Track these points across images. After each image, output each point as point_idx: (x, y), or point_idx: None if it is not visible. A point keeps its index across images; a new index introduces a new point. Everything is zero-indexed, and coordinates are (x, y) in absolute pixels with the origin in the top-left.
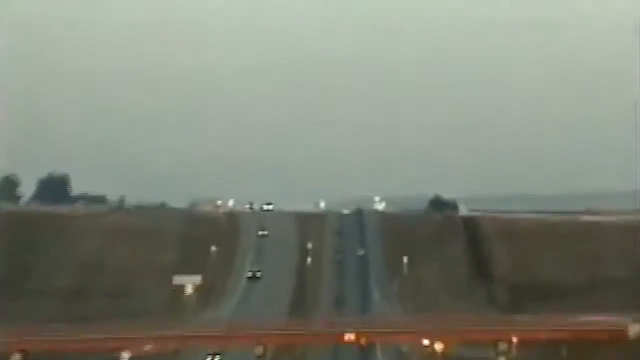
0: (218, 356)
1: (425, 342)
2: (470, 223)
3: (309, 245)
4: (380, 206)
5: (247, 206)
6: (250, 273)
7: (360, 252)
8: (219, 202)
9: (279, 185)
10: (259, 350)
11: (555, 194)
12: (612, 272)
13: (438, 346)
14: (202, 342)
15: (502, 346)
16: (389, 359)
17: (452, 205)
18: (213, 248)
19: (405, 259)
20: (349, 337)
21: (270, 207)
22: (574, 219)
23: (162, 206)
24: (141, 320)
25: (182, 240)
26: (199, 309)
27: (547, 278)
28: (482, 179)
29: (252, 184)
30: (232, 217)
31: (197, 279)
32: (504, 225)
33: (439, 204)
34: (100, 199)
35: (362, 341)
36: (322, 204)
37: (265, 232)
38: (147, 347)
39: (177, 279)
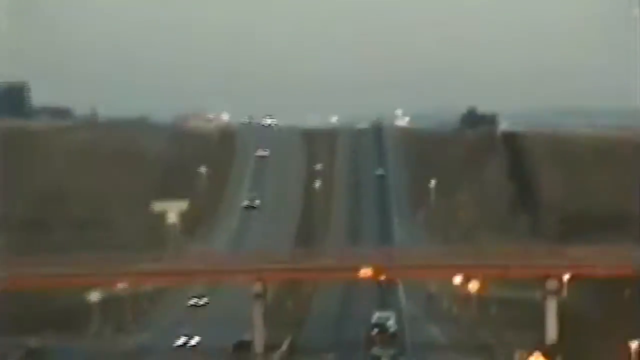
0: (204, 298)
1: (457, 280)
2: (512, 140)
3: (318, 167)
4: (403, 121)
5: (245, 120)
6: (247, 201)
7: (380, 172)
8: (211, 115)
9: (284, 99)
10: (257, 288)
11: (612, 107)
12: None
13: (473, 285)
14: (187, 278)
15: (552, 284)
16: (413, 301)
17: (490, 120)
18: (202, 169)
19: (432, 183)
20: (365, 272)
21: (273, 121)
22: (637, 134)
23: (142, 121)
24: (113, 254)
25: (164, 160)
26: (184, 241)
27: (605, 205)
28: (523, 92)
29: (252, 97)
30: (226, 133)
31: (182, 204)
32: (553, 142)
33: (474, 118)
34: (65, 112)
35: (381, 277)
36: (335, 119)
37: (266, 152)
38: (121, 285)
39: (159, 205)
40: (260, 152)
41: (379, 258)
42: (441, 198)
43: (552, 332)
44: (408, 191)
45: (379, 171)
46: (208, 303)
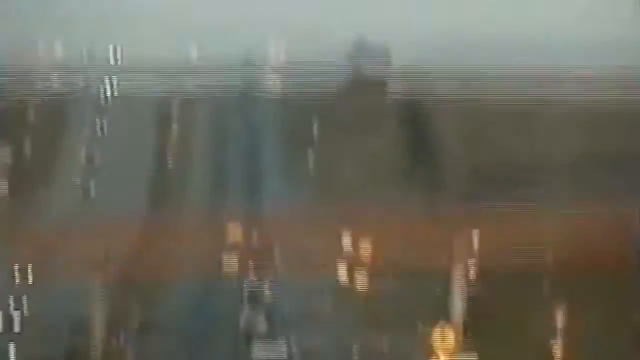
0: None
1: (347, 246)
2: (411, 106)
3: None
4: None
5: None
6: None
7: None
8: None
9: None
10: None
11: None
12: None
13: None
14: None
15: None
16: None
17: (383, 54)
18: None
19: (314, 131)
20: (234, 231)
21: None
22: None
23: None
24: None
25: None
26: None
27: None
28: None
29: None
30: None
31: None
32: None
33: (361, 51)
34: None
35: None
36: (195, 53)
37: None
38: None
39: None
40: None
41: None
42: (323, 151)
43: (457, 309)
44: (284, 164)
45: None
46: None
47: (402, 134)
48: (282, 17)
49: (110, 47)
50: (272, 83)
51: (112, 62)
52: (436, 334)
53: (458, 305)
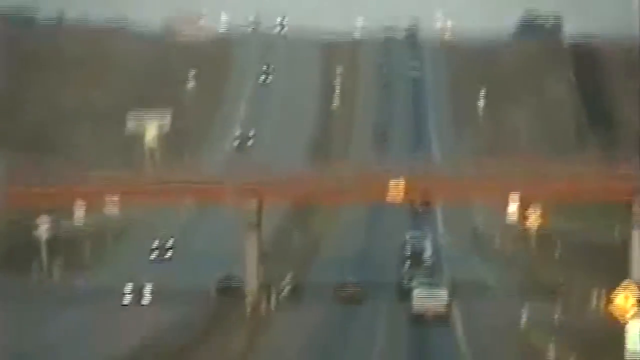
0: (170, 240)
1: (513, 206)
2: (582, 51)
3: (337, 82)
4: (445, 25)
5: (249, 24)
6: (239, 132)
7: (415, 73)
8: (202, 18)
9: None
10: (250, 207)
11: None
12: None
13: (532, 215)
14: (167, 196)
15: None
16: (457, 232)
17: (553, 27)
18: (190, 83)
19: (482, 96)
20: (396, 186)
21: (283, 26)
22: None
23: (120, 27)
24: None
25: (141, 72)
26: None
27: None
28: None
29: None
30: (222, 42)
31: (164, 120)
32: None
33: (532, 25)
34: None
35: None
36: (360, 23)
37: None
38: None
39: (134, 122)
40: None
41: (412, 170)
42: (492, 114)
43: (638, 269)
44: (453, 113)
45: (414, 72)
46: (173, 248)
47: (577, 81)
48: None
49: (278, 19)
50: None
51: (277, 31)
52: (620, 292)
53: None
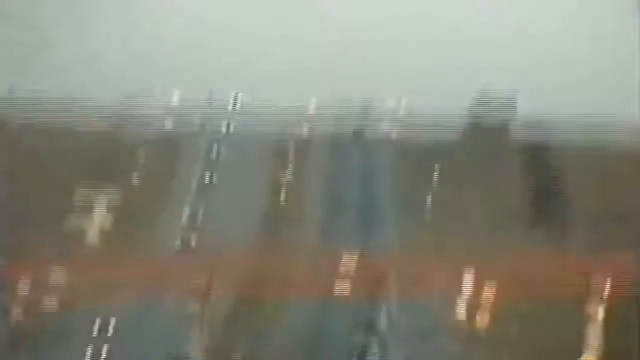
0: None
1: (461, 308)
2: (535, 148)
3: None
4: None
5: (205, 98)
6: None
7: (364, 164)
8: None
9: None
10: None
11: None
12: None
13: (482, 318)
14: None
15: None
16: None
17: (507, 101)
18: (135, 180)
19: (430, 197)
20: (347, 262)
21: (237, 102)
22: None
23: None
24: None
25: (84, 167)
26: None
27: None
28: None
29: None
30: (169, 139)
31: (106, 217)
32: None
33: (486, 101)
34: None
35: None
36: (313, 104)
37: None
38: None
39: (73, 220)
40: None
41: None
42: (441, 219)
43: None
44: (400, 208)
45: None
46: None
47: (524, 180)
48: (401, 65)
49: (232, 94)
50: (389, 129)
51: (230, 108)
52: None
53: (594, 339)
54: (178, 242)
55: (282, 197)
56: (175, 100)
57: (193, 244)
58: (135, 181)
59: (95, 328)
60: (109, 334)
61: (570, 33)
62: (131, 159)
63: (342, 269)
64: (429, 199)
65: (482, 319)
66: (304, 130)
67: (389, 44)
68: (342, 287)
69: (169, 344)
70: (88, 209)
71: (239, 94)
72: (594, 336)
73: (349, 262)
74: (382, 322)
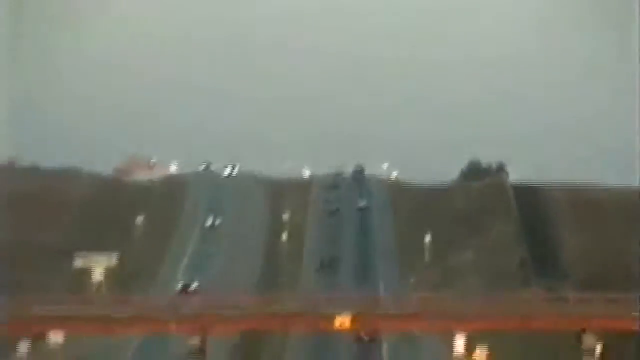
0: None
1: (459, 345)
2: (526, 193)
3: (286, 218)
4: (390, 174)
5: (202, 167)
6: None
7: (362, 205)
8: (153, 160)
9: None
10: (193, 341)
11: None
12: None
13: (480, 357)
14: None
15: (590, 339)
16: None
17: (497, 171)
18: (139, 221)
19: (427, 241)
20: (342, 322)
21: (233, 170)
22: None
23: (73, 170)
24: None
25: (94, 211)
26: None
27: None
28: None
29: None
30: (172, 182)
31: (111, 259)
32: (578, 199)
33: (476, 171)
34: None
35: (362, 332)
36: (307, 173)
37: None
38: None
39: (81, 261)
40: (210, 221)
41: (359, 306)
42: (438, 261)
43: None
44: (398, 252)
45: (362, 204)
46: None
47: (519, 222)
48: (393, 135)
49: (229, 166)
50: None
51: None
52: None
53: None
54: (180, 285)
55: (284, 237)
56: (173, 170)
57: (194, 286)
58: (140, 223)
59: None
60: None
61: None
62: (138, 201)
63: (338, 320)
64: (426, 243)
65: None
66: (305, 173)
67: (384, 114)
68: (341, 328)
69: None
70: (96, 252)
71: (236, 165)
72: None
73: (343, 315)
74: None
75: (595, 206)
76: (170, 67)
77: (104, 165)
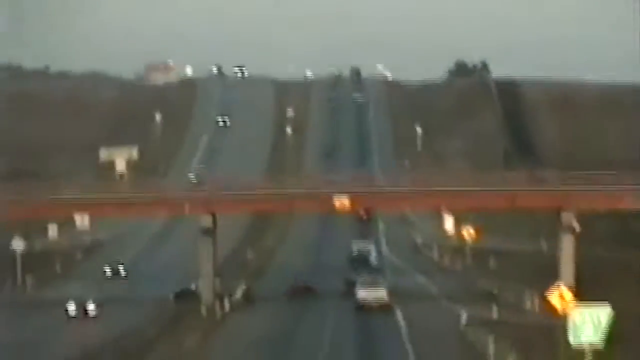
0: (121, 265)
1: (449, 224)
2: (508, 89)
3: (290, 113)
4: (385, 74)
5: (213, 70)
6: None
7: (359, 101)
8: (171, 64)
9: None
10: (205, 221)
11: None
12: None
13: (468, 232)
14: (125, 209)
15: (568, 216)
16: (395, 243)
17: (481, 69)
18: (157, 118)
19: (419, 131)
20: (341, 202)
21: (243, 72)
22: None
23: (98, 74)
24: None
25: (116, 110)
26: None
27: (609, 155)
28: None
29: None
30: (187, 83)
31: (132, 152)
32: (556, 92)
33: (463, 70)
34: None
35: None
36: (309, 73)
37: (226, 119)
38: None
39: (106, 153)
40: (220, 120)
41: (356, 186)
42: (429, 148)
43: (568, 274)
44: (392, 140)
45: (358, 96)
46: (126, 274)
47: (502, 115)
48: (387, 37)
49: (236, 68)
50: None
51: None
52: (554, 293)
53: (568, 268)
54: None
55: (289, 129)
56: (189, 72)
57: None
58: (158, 120)
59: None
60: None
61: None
62: (155, 101)
63: (337, 203)
64: (418, 132)
65: (468, 233)
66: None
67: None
68: (340, 207)
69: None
70: (118, 146)
71: (244, 67)
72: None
73: (341, 195)
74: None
75: (570, 99)
76: None
77: (126, 69)
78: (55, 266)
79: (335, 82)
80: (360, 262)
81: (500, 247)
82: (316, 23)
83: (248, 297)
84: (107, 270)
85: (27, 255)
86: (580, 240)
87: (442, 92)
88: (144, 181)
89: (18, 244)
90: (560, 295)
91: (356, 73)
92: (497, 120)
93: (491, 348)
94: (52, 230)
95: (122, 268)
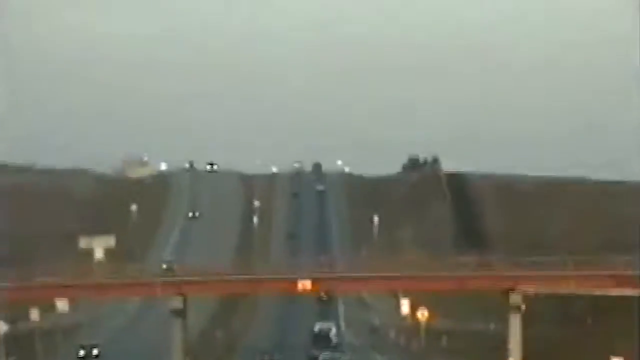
0: (95, 349)
1: (404, 306)
2: (457, 181)
3: (256, 204)
4: (344, 168)
5: (186, 165)
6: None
7: (320, 188)
8: (146, 158)
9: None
10: (176, 302)
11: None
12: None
13: (422, 314)
14: (99, 292)
15: (515, 298)
16: (354, 324)
17: (432, 162)
18: (133, 209)
19: (375, 219)
20: (303, 284)
21: (213, 168)
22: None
23: (80, 170)
24: None
25: (94, 203)
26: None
27: (551, 243)
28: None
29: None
30: (162, 178)
31: (110, 240)
32: (501, 184)
33: (415, 164)
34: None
35: (322, 293)
36: (274, 168)
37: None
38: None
39: (85, 242)
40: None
41: (318, 270)
42: (385, 235)
43: (516, 352)
44: (350, 228)
45: (320, 187)
46: (98, 354)
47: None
48: (344, 133)
49: (208, 165)
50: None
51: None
52: None
53: (516, 346)
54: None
55: (255, 219)
56: (163, 166)
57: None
58: (134, 210)
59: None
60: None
61: None
62: (132, 194)
63: (300, 285)
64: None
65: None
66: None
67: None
68: (303, 290)
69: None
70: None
71: (215, 163)
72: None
73: (304, 279)
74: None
75: (514, 190)
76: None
77: (105, 165)
78: (35, 347)
79: (298, 175)
80: (322, 339)
81: (452, 327)
82: (282, 121)
83: None
84: (80, 352)
85: (10, 337)
86: (527, 320)
87: (397, 184)
88: (120, 266)
89: (1, 327)
90: None
91: (317, 167)
92: (448, 210)
93: None
94: (34, 313)
95: (96, 350)
